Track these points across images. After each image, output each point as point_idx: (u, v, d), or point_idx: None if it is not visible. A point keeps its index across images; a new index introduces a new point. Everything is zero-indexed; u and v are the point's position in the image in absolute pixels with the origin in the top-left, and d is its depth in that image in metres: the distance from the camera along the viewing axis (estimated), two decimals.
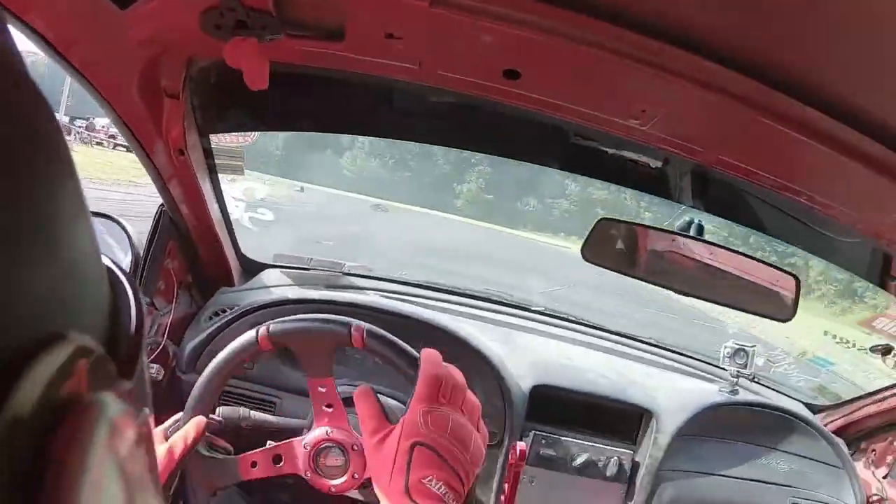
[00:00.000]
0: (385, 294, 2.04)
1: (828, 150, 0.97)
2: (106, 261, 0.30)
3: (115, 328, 0.28)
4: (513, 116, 1.18)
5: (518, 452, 1.18)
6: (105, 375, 0.24)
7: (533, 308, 2.40)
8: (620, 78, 0.92)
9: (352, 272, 2.13)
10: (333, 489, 1.13)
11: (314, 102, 1.30)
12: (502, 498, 1.46)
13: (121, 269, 0.31)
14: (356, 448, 1.15)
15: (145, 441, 0.27)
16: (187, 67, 1.09)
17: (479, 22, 0.84)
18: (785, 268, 1.33)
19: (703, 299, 1.33)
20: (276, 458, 1.14)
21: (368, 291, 2.05)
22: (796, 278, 1.33)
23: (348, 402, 1.54)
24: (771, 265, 1.33)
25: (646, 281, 1.34)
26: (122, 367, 0.26)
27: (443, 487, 0.81)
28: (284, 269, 2.00)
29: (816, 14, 0.72)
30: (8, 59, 0.21)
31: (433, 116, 1.29)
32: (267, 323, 1.09)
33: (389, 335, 1.08)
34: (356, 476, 1.14)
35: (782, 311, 1.34)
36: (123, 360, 0.27)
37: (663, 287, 1.34)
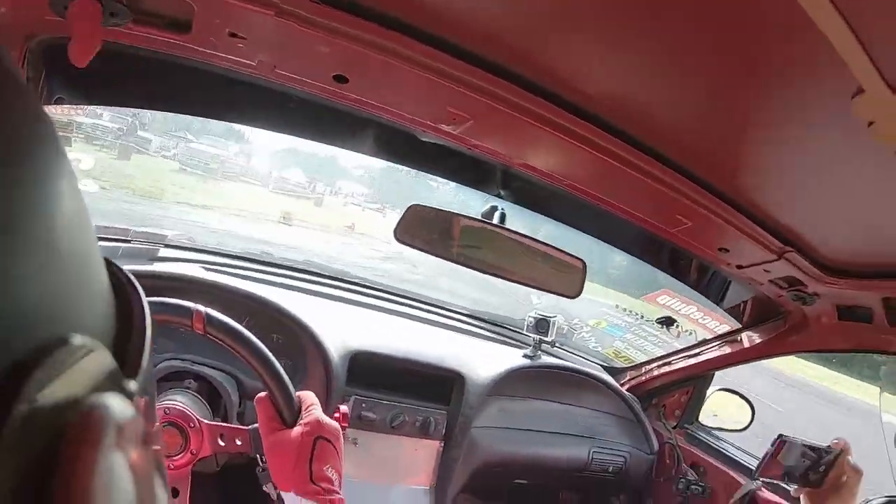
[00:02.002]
0: (206, 266, 2.08)
1: (612, 162, 1.19)
2: (107, 261, 0.31)
3: (118, 328, 0.29)
4: (335, 109, 1.28)
5: (341, 415, 1.29)
6: (109, 376, 0.25)
7: (352, 279, 2.52)
8: (435, 90, 1.07)
9: (173, 244, 2.14)
10: (173, 465, 1.22)
11: (149, 82, 1.31)
12: None
13: (121, 269, 0.33)
14: (193, 426, 1.25)
15: (152, 439, 0.28)
16: (27, 41, 1.09)
17: (316, 33, 0.95)
18: (574, 253, 1.56)
19: (503, 278, 1.51)
20: None
21: (190, 263, 2.07)
22: (583, 262, 1.56)
23: (172, 376, 1.62)
24: (561, 250, 1.54)
25: (451, 261, 1.49)
26: (126, 366, 0.27)
27: (335, 474, 1.01)
28: (103, 242, 1.95)
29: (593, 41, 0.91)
30: None
31: (258, 102, 1.35)
32: None
33: (232, 322, 1.14)
34: (194, 452, 1.24)
35: (571, 288, 1.56)
36: (128, 360, 0.28)
37: (467, 267, 1.49)
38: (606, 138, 1.15)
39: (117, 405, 0.23)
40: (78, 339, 0.23)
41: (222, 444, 1.26)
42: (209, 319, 1.12)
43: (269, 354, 1.13)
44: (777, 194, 1.30)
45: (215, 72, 1.20)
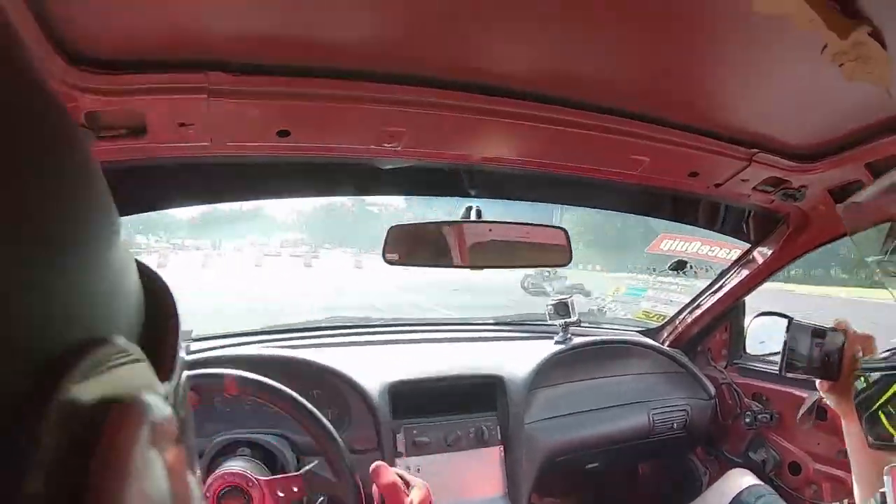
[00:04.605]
0: (235, 345, 2.15)
1: (553, 128, 1.29)
2: (138, 263, 0.32)
3: (152, 332, 0.30)
4: (290, 164, 1.41)
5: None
6: (146, 377, 0.26)
7: (373, 323, 2.64)
8: (366, 117, 1.20)
9: (199, 337, 2.21)
10: None
11: (125, 188, 1.37)
12: None
13: (156, 275, 0.34)
14: (252, 485, 1.33)
15: (185, 439, 0.28)
16: None
17: (248, 101, 1.10)
18: (553, 224, 1.63)
19: (497, 268, 1.58)
20: None
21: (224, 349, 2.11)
22: (563, 230, 1.63)
23: (226, 449, 1.70)
24: (541, 224, 1.61)
25: (444, 266, 1.56)
26: (160, 369, 0.28)
27: None
28: None
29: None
30: (21, 67, 0.23)
31: (227, 179, 1.46)
32: None
33: (262, 378, 1.22)
34: None
35: (561, 258, 1.64)
36: (162, 363, 0.28)
37: (460, 268, 1.56)
38: (539, 107, 1.25)
39: (155, 403, 0.24)
40: (121, 341, 0.24)
41: (282, 494, 1.34)
42: (240, 380, 1.21)
43: (300, 398, 1.19)
44: (724, 105, 1.36)
45: (176, 163, 1.33)
